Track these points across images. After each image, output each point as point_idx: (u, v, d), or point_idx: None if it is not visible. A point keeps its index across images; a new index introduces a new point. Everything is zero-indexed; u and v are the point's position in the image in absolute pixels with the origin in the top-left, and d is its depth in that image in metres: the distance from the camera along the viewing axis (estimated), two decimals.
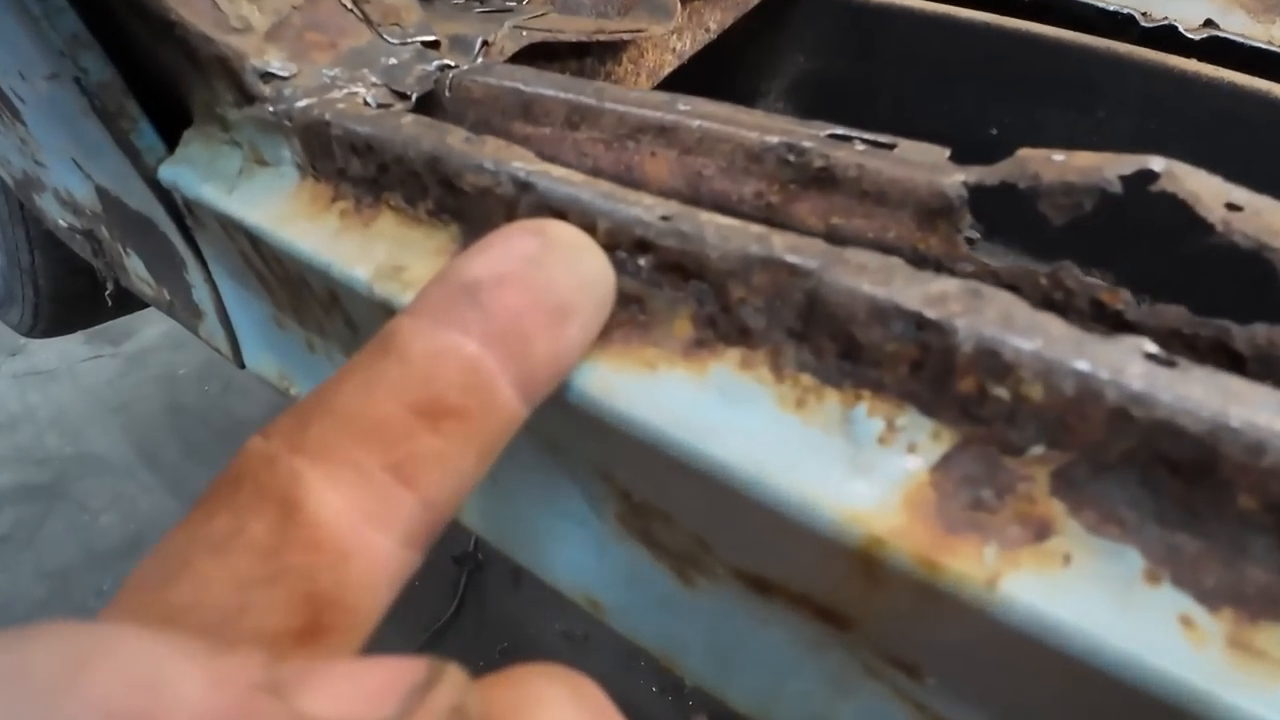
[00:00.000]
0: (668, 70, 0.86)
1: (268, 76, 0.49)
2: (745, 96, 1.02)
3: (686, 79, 0.86)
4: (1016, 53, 0.87)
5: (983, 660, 0.28)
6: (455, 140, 0.41)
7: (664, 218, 0.33)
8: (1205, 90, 0.78)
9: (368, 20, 0.56)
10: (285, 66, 0.49)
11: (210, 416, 2.24)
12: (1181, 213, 0.34)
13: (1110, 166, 0.36)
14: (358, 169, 0.45)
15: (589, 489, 0.40)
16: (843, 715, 0.37)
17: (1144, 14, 0.91)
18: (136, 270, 0.78)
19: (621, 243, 0.34)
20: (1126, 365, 0.25)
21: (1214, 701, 0.23)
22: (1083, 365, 0.25)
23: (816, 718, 0.38)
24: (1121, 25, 0.91)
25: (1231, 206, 0.34)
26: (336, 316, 0.48)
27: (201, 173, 0.54)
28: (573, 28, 0.70)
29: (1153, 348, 0.26)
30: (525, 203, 0.37)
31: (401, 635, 1.85)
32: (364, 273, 0.41)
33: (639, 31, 0.76)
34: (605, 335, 0.34)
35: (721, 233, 0.32)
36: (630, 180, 0.45)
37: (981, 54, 0.90)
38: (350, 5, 0.55)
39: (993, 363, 0.26)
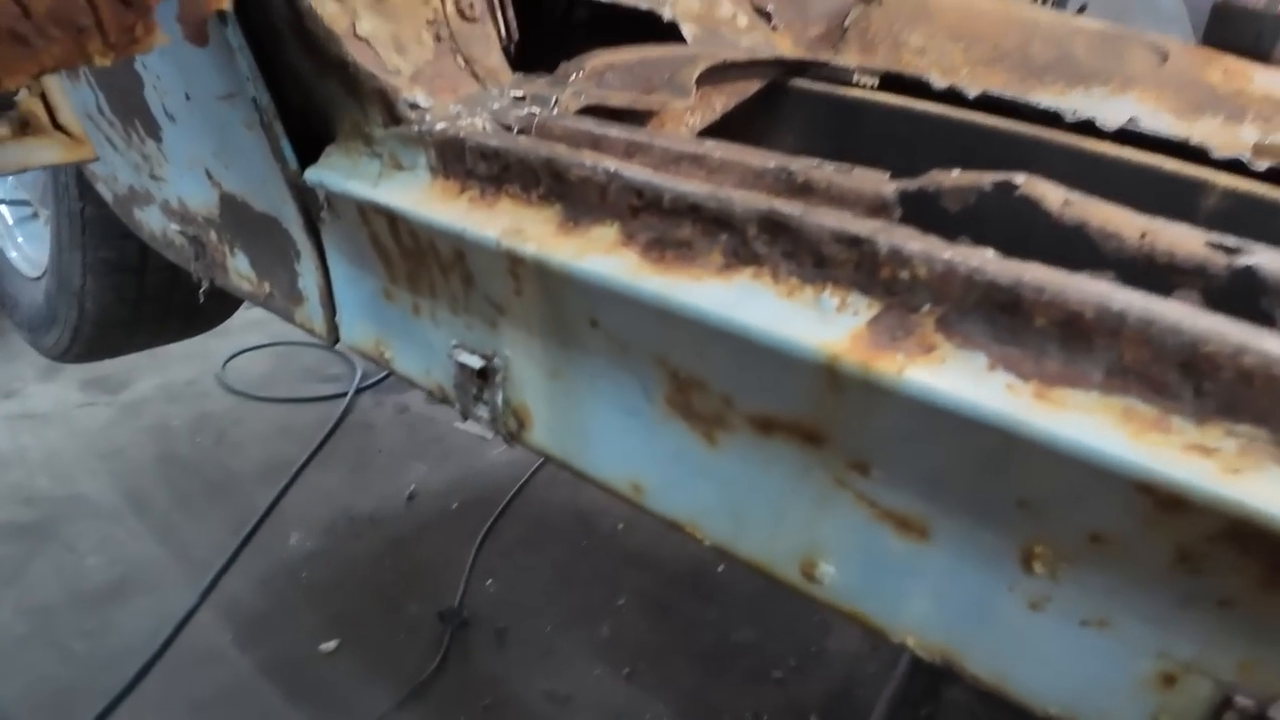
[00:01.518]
0: None
1: (413, 106, 0.73)
2: None
3: None
4: (965, 137, 1.15)
5: (903, 439, 0.50)
6: (561, 149, 0.65)
7: (707, 191, 0.57)
8: (1111, 165, 1.05)
9: (476, 76, 0.81)
10: (426, 100, 0.74)
11: (202, 468, 2.40)
12: (1033, 205, 0.59)
13: (987, 178, 0.60)
14: (484, 170, 0.69)
15: (646, 378, 0.62)
16: (824, 532, 0.58)
17: (1074, 111, 1.20)
18: (238, 268, 1.01)
19: (679, 207, 0.58)
20: (971, 256, 0.49)
21: (1025, 425, 0.45)
22: (947, 254, 0.48)
23: (807, 543, 0.59)
24: (1052, 119, 1.20)
25: (1067, 202, 0.59)
26: (455, 274, 0.71)
27: (345, 174, 0.78)
28: (616, 97, 0.96)
29: (990, 251, 0.49)
30: (614, 186, 0.61)
31: (383, 690, 1.96)
32: (494, 233, 0.64)
33: (664, 104, 1.02)
34: (666, 264, 0.57)
35: (743, 198, 0.56)
36: None
37: (936, 138, 1.18)
38: (464, 65, 0.81)
39: (899, 258, 0.50)
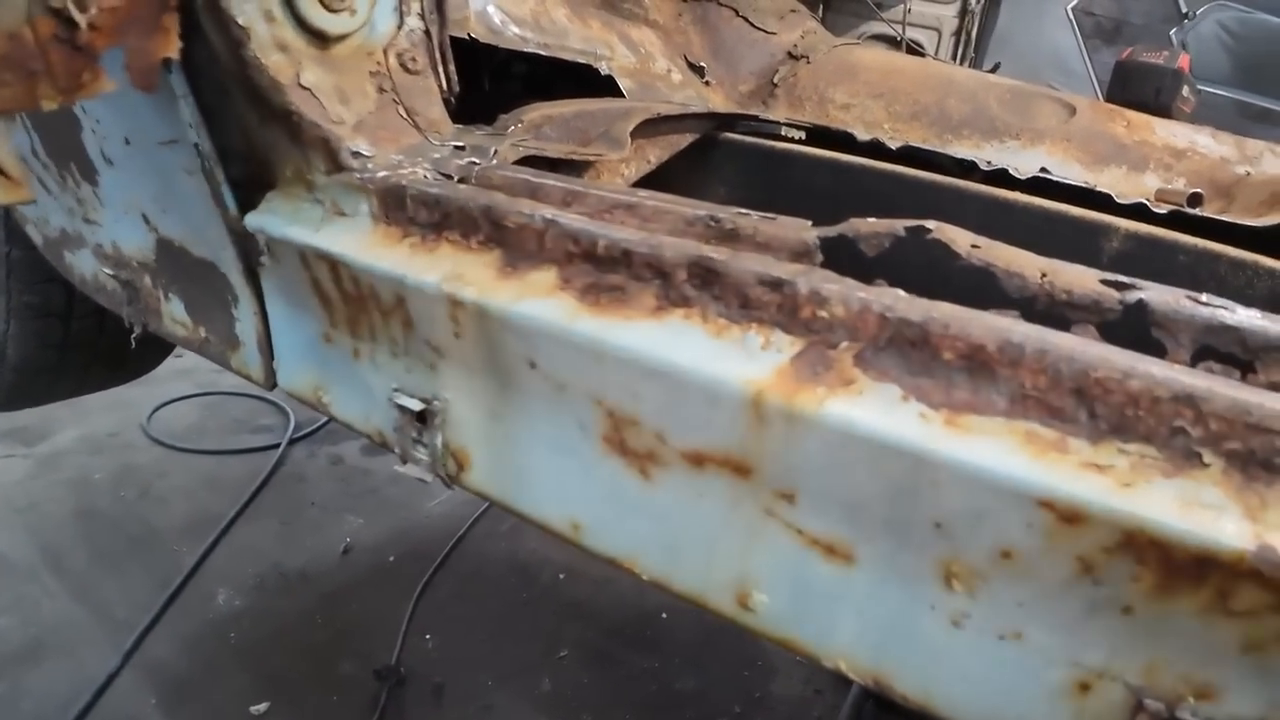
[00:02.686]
0: None
1: (356, 155, 0.75)
2: None
3: None
4: (886, 187, 1.22)
5: (823, 468, 0.53)
6: (500, 198, 0.68)
7: (639, 239, 0.60)
8: (1022, 211, 1.13)
9: (418, 127, 0.84)
10: (369, 149, 0.76)
11: (124, 523, 2.31)
12: (944, 248, 0.63)
13: (901, 224, 0.65)
14: (425, 217, 0.71)
15: (584, 417, 0.64)
16: (756, 562, 0.60)
17: (988, 162, 1.28)
18: (173, 313, 1.00)
19: (614, 253, 0.61)
20: (883, 295, 0.52)
21: (937, 450, 0.48)
22: (862, 294, 0.52)
23: (740, 574, 0.61)
24: (968, 169, 1.27)
25: (974, 246, 0.63)
26: (396, 318, 0.72)
27: (286, 220, 0.79)
28: (553, 148, 1.00)
29: (900, 291, 0.53)
30: (551, 233, 0.64)
31: None
32: (434, 278, 0.66)
33: (600, 155, 1.06)
34: (601, 307, 0.60)
35: (674, 244, 0.59)
36: None
37: (859, 188, 1.24)
38: (405, 116, 0.84)
39: (818, 298, 0.53)
